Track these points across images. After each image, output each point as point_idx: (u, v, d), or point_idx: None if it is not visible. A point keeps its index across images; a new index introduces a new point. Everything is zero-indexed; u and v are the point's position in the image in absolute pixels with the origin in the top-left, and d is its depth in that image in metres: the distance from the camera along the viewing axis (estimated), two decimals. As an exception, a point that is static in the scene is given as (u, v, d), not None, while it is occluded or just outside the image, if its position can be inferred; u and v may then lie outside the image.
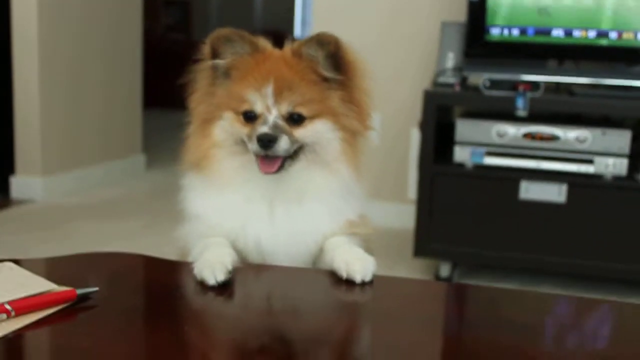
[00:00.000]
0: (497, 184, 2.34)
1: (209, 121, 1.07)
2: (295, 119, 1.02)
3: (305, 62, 1.05)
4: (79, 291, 0.68)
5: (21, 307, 0.64)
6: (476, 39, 2.47)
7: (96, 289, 0.70)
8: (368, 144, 1.10)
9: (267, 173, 1.00)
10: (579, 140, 2.29)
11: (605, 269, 2.32)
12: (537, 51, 2.45)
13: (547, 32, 2.42)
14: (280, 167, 1.01)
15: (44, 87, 3.34)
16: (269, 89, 1.02)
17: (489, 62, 2.46)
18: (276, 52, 1.08)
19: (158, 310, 0.70)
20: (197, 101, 1.09)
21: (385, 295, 0.80)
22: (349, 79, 1.07)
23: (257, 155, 1.01)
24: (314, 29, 3.16)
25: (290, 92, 1.03)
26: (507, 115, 2.36)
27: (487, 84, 2.33)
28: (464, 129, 2.36)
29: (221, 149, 1.06)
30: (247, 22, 10.01)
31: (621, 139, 2.27)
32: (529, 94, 2.29)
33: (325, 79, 1.05)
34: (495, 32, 2.45)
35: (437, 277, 2.46)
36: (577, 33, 2.39)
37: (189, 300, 0.75)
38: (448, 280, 2.45)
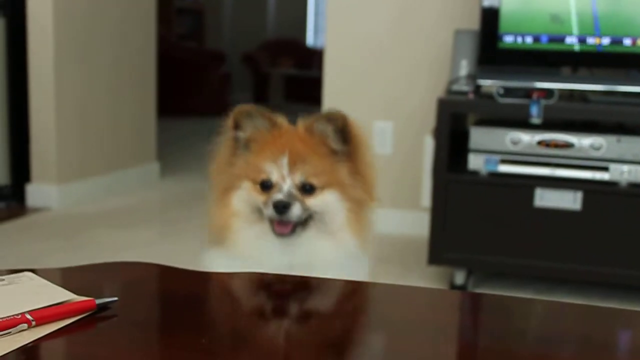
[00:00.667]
0: (512, 192, 2.33)
1: (228, 190, 1.18)
2: (307, 189, 1.13)
3: (316, 137, 1.16)
4: (98, 301, 0.69)
5: (42, 317, 0.64)
6: (489, 46, 2.47)
7: (115, 298, 0.70)
8: (373, 213, 1.20)
9: (281, 234, 1.11)
10: (593, 147, 2.28)
11: (622, 276, 2.31)
12: (550, 58, 2.45)
13: (561, 40, 2.41)
14: (292, 231, 1.11)
15: (59, 95, 3.36)
16: (284, 161, 1.13)
17: (502, 70, 2.46)
18: (291, 127, 1.18)
19: (176, 320, 0.70)
20: (218, 170, 1.21)
21: (400, 304, 0.80)
22: (355, 151, 1.18)
23: (271, 220, 1.11)
24: (326, 38, 3.17)
25: (303, 163, 1.13)
26: (521, 122, 2.36)
27: (501, 91, 2.33)
28: (478, 136, 2.36)
29: (239, 217, 1.16)
30: (260, 30, 10.06)
31: (636, 145, 2.26)
32: (543, 102, 2.28)
33: (334, 152, 1.16)
34: (508, 39, 2.45)
35: (452, 285, 2.46)
36: (590, 40, 2.39)
37: (207, 310, 0.75)
38: (463, 288, 2.45)
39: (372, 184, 1.19)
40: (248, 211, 1.15)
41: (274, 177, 1.12)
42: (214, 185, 1.20)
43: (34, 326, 0.64)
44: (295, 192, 1.11)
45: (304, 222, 1.12)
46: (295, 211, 1.09)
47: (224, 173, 1.19)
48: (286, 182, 1.11)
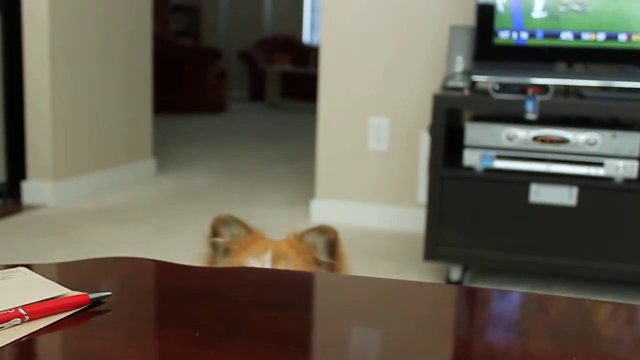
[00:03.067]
0: (507, 187, 2.34)
1: None
2: None
3: (303, 245, 1.18)
4: (92, 295, 0.69)
5: (35, 311, 0.64)
6: (485, 42, 2.47)
7: (109, 293, 0.70)
8: None
9: None
10: (589, 143, 2.29)
11: (616, 271, 2.31)
12: (546, 54, 2.46)
13: (556, 35, 2.42)
14: None
15: (55, 92, 3.36)
16: (268, 256, 1.13)
17: (498, 66, 2.47)
18: (275, 238, 1.20)
19: (170, 314, 0.70)
20: None
21: (396, 298, 0.80)
22: (339, 268, 1.19)
23: None
24: (322, 35, 3.17)
25: (286, 261, 1.13)
26: (517, 118, 2.36)
27: (497, 87, 2.33)
28: (474, 132, 2.37)
29: None
30: (256, 26, 10.05)
31: (631, 141, 2.27)
32: (539, 97, 2.29)
33: (318, 263, 1.17)
34: (504, 35, 2.45)
35: (448, 281, 2.46)
36: (586, 36, 2.39)
37: (201, 304, 0.75)
38: (459, 283, 2.45)
39: None
40: None
41: None
42: None
43: (28, 321, 0.64)
44: None
45: None
46: None
47: None
48: None
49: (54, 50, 3.32)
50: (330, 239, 1.19)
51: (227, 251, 1.19)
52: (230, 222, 1.20)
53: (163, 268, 0.86)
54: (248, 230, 1.20)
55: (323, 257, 1.18)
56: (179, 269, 0.85)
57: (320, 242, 1.19)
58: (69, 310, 0.67)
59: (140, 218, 3.25)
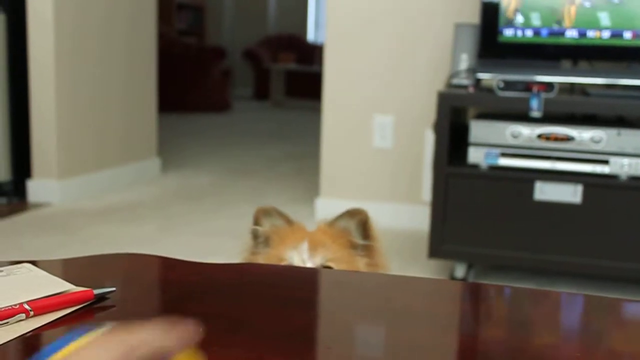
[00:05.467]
0: (512, 185, 2.33)
1: None
2: None
3: (336, 230, 1.22)
4: (96, 291, 0.69)
5: (40, 307, 0.65)
6: (490, 40, 2.47)
7: (113, 289, 0.70)
8: None
9: None
10: (593, 140, 2.28)
11: (621, 269, 2.31)
12: (551, 52, 2.45)
13: (561, 33, 2.41)
14: None
15: (61, 91, 3.36)
16: (304, 246, 1.17)
17: (502, 63, 2.46)
18: (309, 227, 1.25)
19: (173, 310, 0.70)
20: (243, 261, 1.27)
21: (400, 294, 0.80)
22: (374, 247, 1.23)
23: None
24: (327, 33, 3.17)
25: (324, 248, 1.18)
26: (522, 116, 2.36)
27: (501, 85, 2.33)
28: (478, 130, 2.36)
29: None
30: (260, 25, 10.06)
31: (636, 139, 2.26)
32: (543, 95, 2.28)
33: (354, 246, 1.22)
34: (508, 33, 2.45)
35: (452, 278, 2.46)
36: (591, 33, 2.39)
37: (206, 301, 0.75)
38: (463, 281, 2.45)
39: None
40: None
41: (295, 261, 1.17)
42: None
43: (32, 316, 0.64)
44: None
45: None
46: None
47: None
48: (306, 265, 1.16)
49: (59, 50, 3.33)
50: (361, 220, 1.22)
51: (266, 241, 1.23)
52: (271, 213, 1.23)
53: (167, 264, 0.86)
54: (288, 222, 1.24)
55: (358, 240, 1.22)
56: (182, 265, 0.85)
57: (351, 225, 1.22)
58: (74, 306, 0.67)
59: (144, 216, 3.25)
